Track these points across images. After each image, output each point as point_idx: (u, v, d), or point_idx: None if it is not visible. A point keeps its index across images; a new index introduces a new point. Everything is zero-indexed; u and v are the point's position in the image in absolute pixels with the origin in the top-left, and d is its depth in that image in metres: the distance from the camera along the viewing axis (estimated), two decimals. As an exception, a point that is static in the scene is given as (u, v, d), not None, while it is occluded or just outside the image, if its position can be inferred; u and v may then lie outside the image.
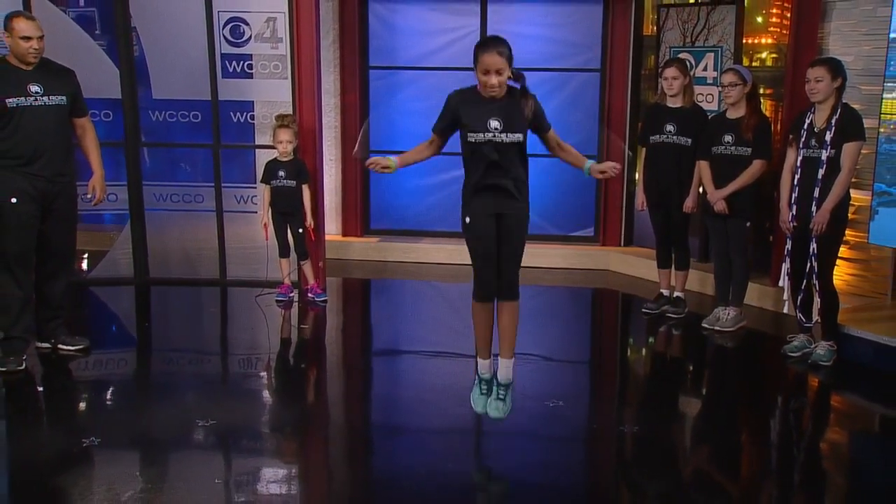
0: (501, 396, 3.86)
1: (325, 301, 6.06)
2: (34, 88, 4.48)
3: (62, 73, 4.68)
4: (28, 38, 4.43)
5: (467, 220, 3.73)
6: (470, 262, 3.80)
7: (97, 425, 4.07)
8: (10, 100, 4.42)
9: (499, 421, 3.88)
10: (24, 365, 4.63)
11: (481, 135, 3.61)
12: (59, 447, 3.85)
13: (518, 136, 3.62)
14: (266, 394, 4.71)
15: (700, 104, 5.95)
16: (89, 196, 4.85)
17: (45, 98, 4.51)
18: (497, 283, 3.75)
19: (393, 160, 3.73)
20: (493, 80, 3.56)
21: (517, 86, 3.67)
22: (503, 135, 3.60)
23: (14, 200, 4.46)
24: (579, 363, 5.44)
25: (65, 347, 4.89)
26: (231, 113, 6.25)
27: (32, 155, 4.48)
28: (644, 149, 5.80)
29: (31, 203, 4.51)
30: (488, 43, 3.63)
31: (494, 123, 3.60)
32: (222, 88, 6.14)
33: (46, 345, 4.88)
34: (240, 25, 6.07)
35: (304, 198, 5.88)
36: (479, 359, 3.93)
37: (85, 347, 4.93)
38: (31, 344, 4.79)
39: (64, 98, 4.60)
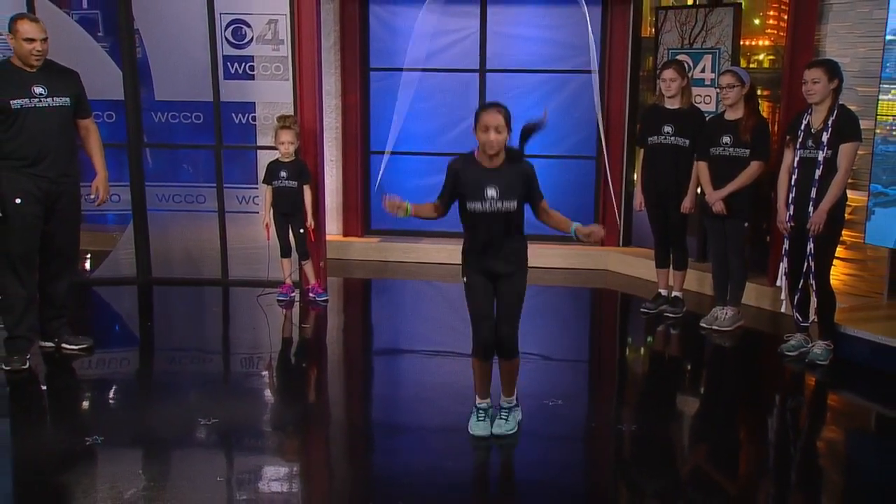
0: (504, 416, 3.97)
1: (326, 301, 6.07)
2: (38, 90, 4.48)
3: (66, 75, 4.68)
4: (32, 40, 4.43)
5: (465, 279, 3.88)
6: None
7: (100, 424, 4.08)
8: (15, 101, 4.42)
9: (503, 437, 3.91)
10: (27, 364, 4.64)
11: (479, 203, 3.72)
12: (63, 446, 3.85)
13: (513, 204, 3.73)
14: (267, 392, 4.72)
15: (698, 105, 5.96)
16: (92, 196, 4.85)
17: (48, 99, 4.51)
18: (495, 337, 3.83)
19: (409, 206, 3.83)
20: (492, 136, 3.64)
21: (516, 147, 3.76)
22: (499, 203, 3.70)
23: (18, 201, 4.46)
24: (578, 362, 5.45)
25: (68, 347, 4.90)
26: (233, 114, 6.26)
27: (37, 156, 4.49)
28: (642, 150, 5.80)
29: (35, 204, 4.52)
30: (488, 105, 3.73)
31: (491, 192, 3.70)
32: (224, 90, 6.15)
33: (50, 344, 4.89)
34: (241, 27, 6.08)
35: (306, 198, 5.89)
36: (477, 397, 4.00)
37: (88, 347, 4.94)
38: (34, 343, 4.80)
39: (67, 99, 4.60)
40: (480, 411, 3.98)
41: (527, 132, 3.73)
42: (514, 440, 3.92)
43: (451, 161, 3.82)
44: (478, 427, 3.95)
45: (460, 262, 3.91)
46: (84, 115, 4.77)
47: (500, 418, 3.96)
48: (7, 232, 4.51)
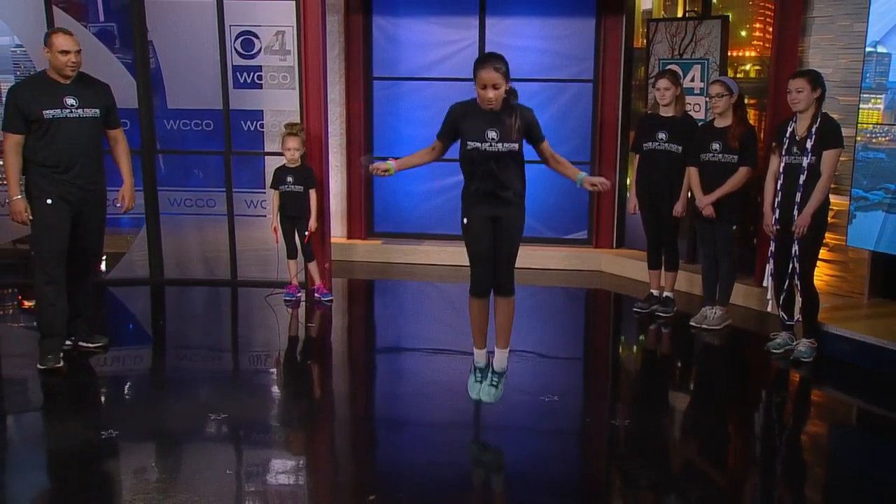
0: (494, 383, 3.96)
1: (330, 301, 6.08)
2: (70, 101, 4.50)
3: (97, 87, 4.69)
4: (66, 52, 4.45)
5: (465, 221, 3.84)
6: (468, 264, 3.85)
7: (115, 418, 4.08)
8: (48, 112, 4.44)
9: (490, 404, 3.96)
10: (61, 363, 4.60)
11: (479, 144, 3.69)
12: (79, 440, 3.86)
13: (513, 146, 3.70)
14: (275, 389, 4.72)
15: (689, 113, 5.96)
16: (119, 203, 4.86)
17: (79, 111, 4.53)
18: (493, 281, 3.83)
19: (391, 164, 3.81)
20: (490, 94, 3.64)
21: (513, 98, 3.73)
22: (499, 144, 3.68)
23: (49, 202, 4.50)
24: (573, 360, 5.45)
25: (85, 345, 4.91)
26: (242, 121, 6.26)
27: (67, 164, 4.51)
28: (637, 155, 5.81)
29: (64, 207, 4.54)
30: (485, 59, 3.70)
31: (492, 133, 3.68)
32: (233, 98, 6.16)
33: (68, 342, 4.89)
34: (250, 39, 6.09)
35: (312, 202, 5.89)
36: (474, 349, 4.00)
37: (104, 345, 4.95)
38: (65, 341, 4.78)
39: (98, 111, 4.61)
40: (478, 371, 4.00)
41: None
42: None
43: (453, 105, 3.80)
44: (474, 388, 4.00)
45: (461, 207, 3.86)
46: (113, 126, 4.79)
47: (491, 385, 3.96)
48: (39, 233, 4.55)
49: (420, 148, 3.93)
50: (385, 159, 3.87)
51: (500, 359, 3.97)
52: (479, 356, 4.01)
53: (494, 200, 3.76)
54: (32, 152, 4.48)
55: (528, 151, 3.84)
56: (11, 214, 4.51)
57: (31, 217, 4.50)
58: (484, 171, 3.72)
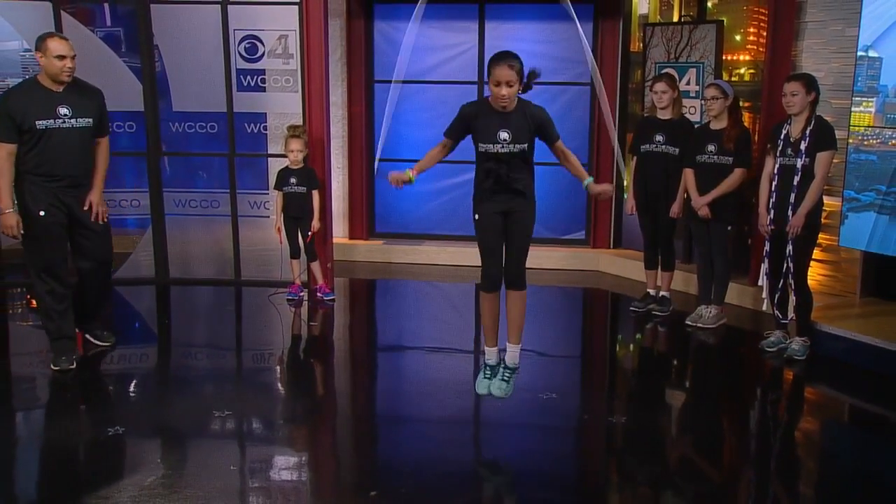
0: (506, 378, 3.93)
1: (332, 300, 6.08)
2: (63, 111, 4.37)
3: (91, 95, 4.54)
4: (62, 57, 4.32)
5: (476, 216, 3.82)
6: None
7: (121, 415, 4.08)
8: (40, 122, 4.31)
9: (500, 399, 3.93)
10: (74, 364, 4.58)
11: (491, 145, 3.68)
12: (86, 436, 3.87)
13: (524, 146, 3.69)
14: (278, 386, 4.72)
15: (685, 116, 5.97)
16: (84, 209, 4.53)
17: (72, 120, 4.40)
18: (504, 275, 3.81)
19: (410, 173, 3.76)
20: (504, 91, 3.60)
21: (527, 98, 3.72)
22: (511, 145, 3.67)
23: (42, 213, 4.38)
24: (571, 358, 5.45)
25: (94, 342, 4.90)
26: (245, 124, 6.26)
27: (58, 172, 4.39)
28: (635, 157, 5.81)
29: (57, 214, 4.43)
30: (500, 57, 3.64)
31: (504, 135, 3.66)
32: (237, 101, 6.16)
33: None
34: (254, 43, 6.09)
35: (314, 203, 5.90)
36: (485, 346, 3.97)
37: (112, 343, 4.94)
38: (76, 341, 4.76)
39: (90, 120, 4.48)
40: (488, 369, 3.96)
41: (530, 78, 3.69)
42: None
43: (464, 104, 3.77)
44: (482, 385, 3.95)
45: (472, 202, 3.84)
46: (102, 134, 4.63)
47: (503, 380, 3.92)
48: (33, 243, 4.44)
49: (426, 149, 3.90)
50: (405, 164, 3.78)
51: (513, 354, 3.93)
52: (491, 353, 3.97)
53: (505, 196, 3.74)
54: (23, 161, 4.34)
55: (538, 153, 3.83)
56: (2, 228, 4.35)
57: (22, 231, 4.37)
58: (496, 173, 3.70)
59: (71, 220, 4.52)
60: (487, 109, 3.70)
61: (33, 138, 4.33)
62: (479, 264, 3.82)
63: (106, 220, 4.65)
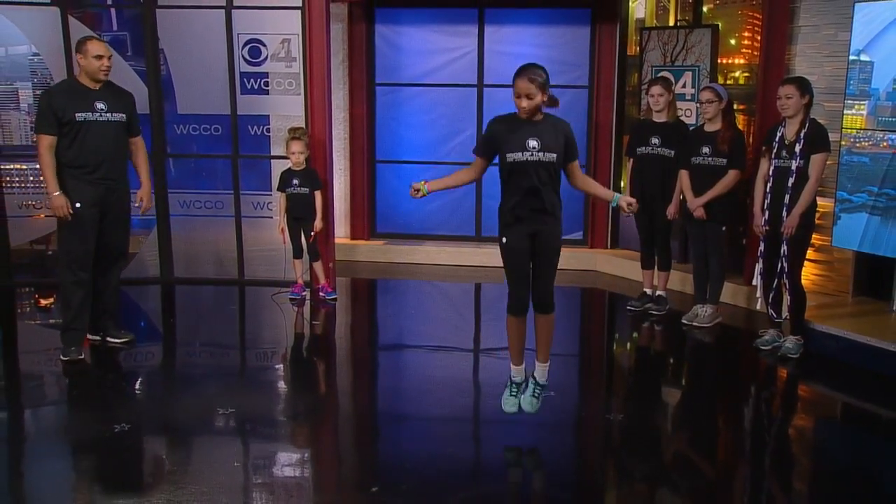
0: (536, 395, 3.88)
1: (334, 299, 6.07)
2: (100, 105, 4.58)
3: (123, 95, 4.77)
4: (100, 57, 4.54)
5: (504, 240, 3.69)
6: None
7: (127, 413, 4.08)
8: (79, 114, 4.52)
9: (530, 414, 3.88)
10: (83, 355, 4.67)
11: (520, 154, 3.58)
12: (93, 433, 3.86)
13: (553, 156, 3.60)
14: (281, 384, 4.72)
15: (680, 118, 5.96)
16: (137, 204, 4.90)
17: (108, 115, 4.61)
18: (534, 299, 3.73)
19: (424, 186, 3.69)
20: (524, 103, 3.57)
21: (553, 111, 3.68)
22: (540, 153, 3.57)
23: (78, 205, 4.54)
24: (569, 356, 5.44)
25: (112, 340, 4.93)
26: (249, 126, 6.26)
27: (95, 164, 4.57)
28: (631, 159, 5.81)
29: (92, 207, 4.59)
30: (522, 70, 3.62)
31: (532, 143, 3.58)
32: (241, 104, 6.17)
33: (97, 337, 4.92)
34: (258, 46, 6.10)
35: (317, 203, 5.90)
36: (511, 365, 3.92)
37: (130, 340, 4.97)
38: (86, 335, 4.81)
39: (123, 116, 4.69)
40: (514, 386, 3.89)
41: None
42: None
43: (492, 120, 3.69)
44: (508, 402, 3.86)
45: (497, 224, 3.73)
46: (135, 133, 4.84)
47: (533, 396, 3.86)
48: (68, 233, 4.60)
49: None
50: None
51: (542, 372, 3.88)
52: (517, 372, 3.90)
53: (533, 215, 3.62)
54: (62, 154, 4.53)
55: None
56: (54, 209, 4.54)
57: (72, 211, 4.51)
58: (525, 185, 3.58)
59: (101, 213, 4.64)
60: (516, 121, 3.63)
61: (73, 130, 4.52)
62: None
63: (150, 207, 4.95)
